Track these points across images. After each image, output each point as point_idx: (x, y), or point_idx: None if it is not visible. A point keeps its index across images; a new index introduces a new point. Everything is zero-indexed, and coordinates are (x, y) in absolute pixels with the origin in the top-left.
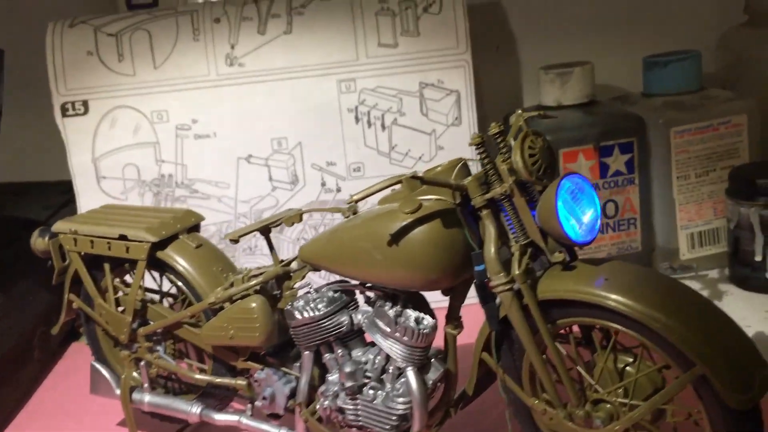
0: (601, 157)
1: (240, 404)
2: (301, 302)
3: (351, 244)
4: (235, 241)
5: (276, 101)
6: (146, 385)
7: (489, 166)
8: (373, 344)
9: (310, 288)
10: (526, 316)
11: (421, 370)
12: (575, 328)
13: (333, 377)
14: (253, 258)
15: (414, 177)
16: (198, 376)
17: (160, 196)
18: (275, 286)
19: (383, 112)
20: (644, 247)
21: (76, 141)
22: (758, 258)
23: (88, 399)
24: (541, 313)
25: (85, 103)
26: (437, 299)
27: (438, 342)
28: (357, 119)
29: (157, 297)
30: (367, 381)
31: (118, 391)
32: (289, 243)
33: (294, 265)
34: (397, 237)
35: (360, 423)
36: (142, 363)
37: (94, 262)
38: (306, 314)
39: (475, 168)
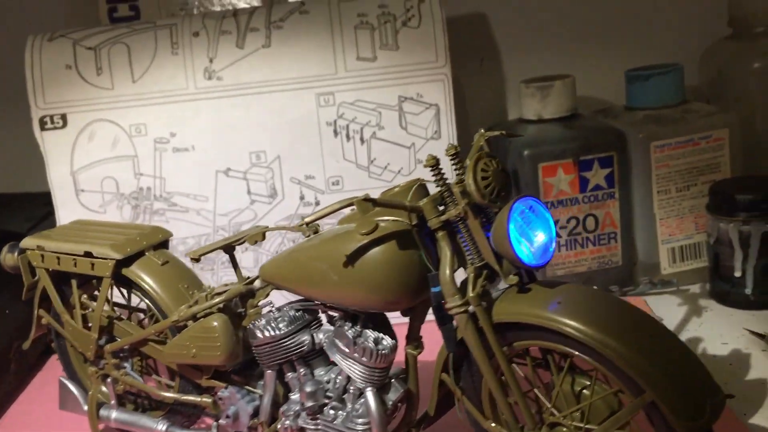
0: (581, 171)
1: (210, 421)
2: (263, 321)
3: (308, 264)
4: (197, 259)
5: (254, 115)
6: (113, 401)
7: (444, 188)
8: (335, 364)
9: (272, 306)
10: (483, 338)
11: (381, 390)
12: (535, 350)
13: (295, 396)
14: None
15: (366, 199)
16: (164, 393)
17: (139, 209)
18: (239, 304)
19: (362, 125)
20: (625, 262)
21: (55, 154)
22: (737, 274)
23: (64, 413)
24: (497, 335)
25: (63, 117)
26: (400, 318)
27: (401, 362)
28: (336, 133)
29: (127, 313)
30: (327, 401)
31: (86, 407)
32: (268, 256)
33: (258, 283)
34: (352, 258)
35: None
36: (109, 379)
37: (64, 278)
38: (267, 333)
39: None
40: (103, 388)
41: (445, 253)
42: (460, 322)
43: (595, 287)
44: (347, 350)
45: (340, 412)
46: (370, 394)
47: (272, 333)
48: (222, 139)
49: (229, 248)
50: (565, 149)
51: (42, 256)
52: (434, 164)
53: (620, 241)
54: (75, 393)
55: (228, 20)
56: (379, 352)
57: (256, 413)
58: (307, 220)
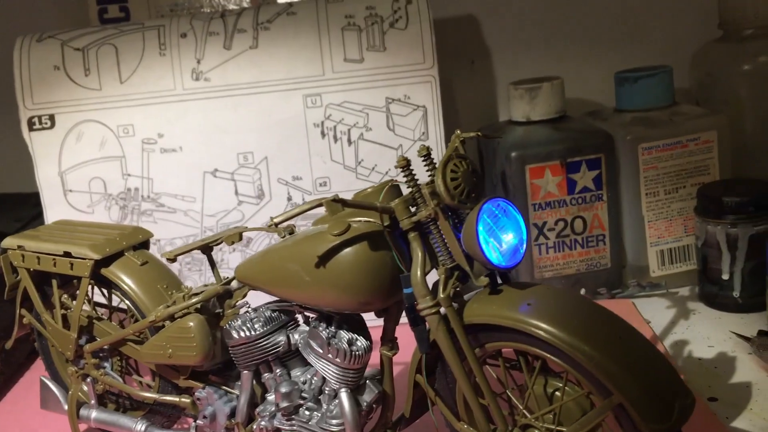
0: (569, 173)
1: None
2: (239, 322)
3: (281, 265)
4: (172, 260)
5: (242, 116)
6: (93, 401)
7: (414, 189)
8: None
9: (248, 307)
10: (455, 340)
11: (356, 391)
12: (510, 352)
13: (271, 397)
14: None
15: (335, 200)
16: (143, 394)
17: (127, 210)
18: (217, 304)
19: (349, 127)
20: (613, 264)
21: (43, 154)
22: (725, 277)
23: (51, 413)
24: (469, 336)
25: (51, 117)
26: (378, 321)
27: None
28: (323, 134)
29: (108, 313)
30: (303, 402)
31: (66, 407)
32: None
33: (235, 284)
34: (324, 258)
35: None
36: (89, 379)
37: (46, 278)
38: (243, 334)
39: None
40: (84, 388)
41: (417, 254)
42: (432, 323)
43: (562, 288)
44: (321, 351)
45: (315, 412)
46: (344, 395)
47: (247, 333)
48: (210, 140)
49: (206, 249)
50: (552, 151)
51: (23, 255)
52: (405, 165)
53: (609, 244)
54: (56, 392)
55: (215, 21)
56: (353, 353)
57: (233, 414)
58: (276, 220)
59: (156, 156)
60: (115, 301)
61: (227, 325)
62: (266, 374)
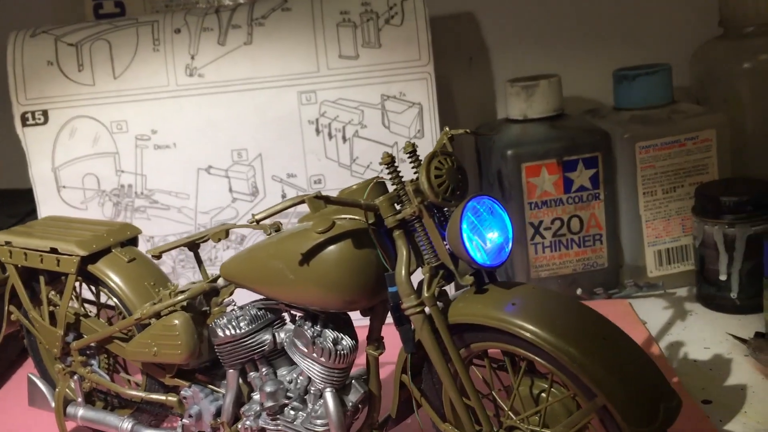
0: (565, 172)
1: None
2: (224, 320)
3: (266, 262)
4: (158, 257)
5: (236, 112)
6: (80, 399)
7: (399, 186)
8: None
9: (234, 305)
10: (440, 339)
11: (342, 391)
12: (497, 352)
13: (256, 396)
14: None
15: (318, 197)
16: (130, 392)
17: (120, 206)
18: (204, 302)
19: (344, 124)
20: (611, 264)
21: (36, 150)
22: (723, 277)
23: (42, 411)
24: (454, 336)
25: (44, 113)
26: (363, 318)
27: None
28: (318, 131)
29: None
30: (288, 401)
31: (53, 404)
32: None
33: (221, 282)
34: (308, 256)
35: None
36: (76, 377)
37: (34, 274)
38: (228, 332)
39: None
40: (72, 385)
41: (402, 252)
42: (416, 322)
43: (548, 288)
44: (306, 350)
45: (300, 412)
46: (328, 395)
47: (233, 332)
48: (203, 137)
49: (193, 246)
50: (549, 149)
51: (10, 252)
52: (389, 162)
53: (605, 243)
54: (43, 390)
55: (210, 17)
56: (338, 352)
57: (219, 413)
58: (257, 217)
59: (149, 152)
60: (105, 298)
61: (213, 324)
62: (252, 373)
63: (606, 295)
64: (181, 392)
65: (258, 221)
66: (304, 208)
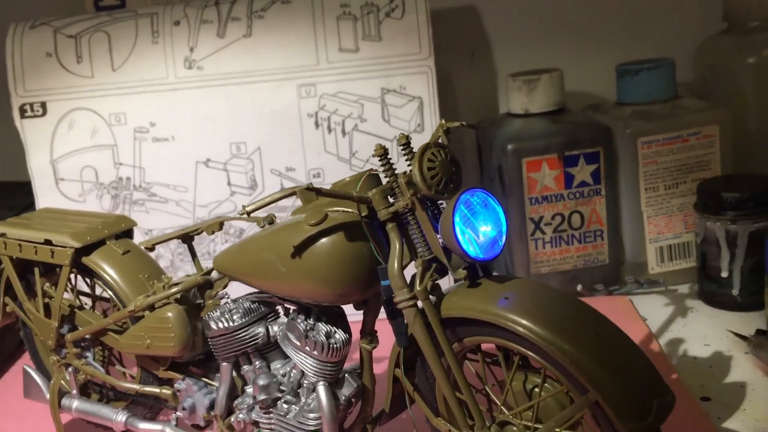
0: (566, 167)
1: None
2: (217, 312)
3: (258, 255)
4: (151, 249)
5: (235, 105)
6: (75, 391)
7: (392, 179)
8: None
9: (227, 298)
10: (432, 333)
11: (335, 385)
12: (491, 347)
13: (249, 390)
14: None
15: (309, 188)
16: (124, 384)
17: (118, 199)
18: (198, 294)
19: (344, 117)
20: (612, 260)
21: (35, 142)
22: (724, 274)
23: (39, 403)
24: (447, 330)
25: (43, 105)
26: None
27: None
28: (317, 124)
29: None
30: (281, 395)
31: (48, 396)
32: None
33: (215, 274)
34: (300, 249)
35: None
36: (70, 369)
37: (30, 266)
38: (221, 325)
39: None
40: (67, 377)
41: (394, 245)
42: (409, 316)
43: (542, 282)
44: (299, 343)
45: (293, 406)
46: (321, 389)
47: (226, 324)
48: (202, 130)
49: (187, 238)
50: (550, 144)
51: (5, 243)
52: (382, 154)
53: (607, 239)
54: (38, 382)
55: (209, 9)
56: (331, 345)
57: (212, 406)
58: (248, 208)
59: (148, 145)
60: (101, 291)
61: (206, 316)
62: (246, 366)
63: (606, 292)
64: (175, 385)
65: (249, 213)
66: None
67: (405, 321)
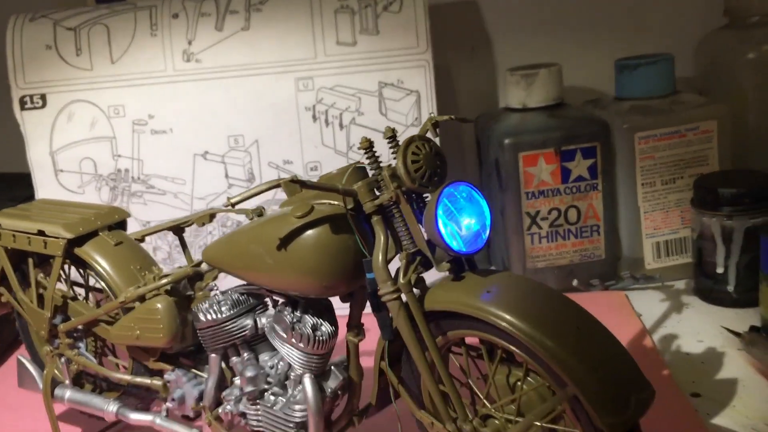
0: (563, 162)
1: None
2: (206, 304)
3: (245, 247)
4: (141, 240)
5: (233, 98)
6: (68, 381)
7: (377, 171)
8: None
9: (216, 290)
10: (416, 327)
11: (321, 377)
12: (476, 341)
13: (237, 381)
14: None
15: (293, 180)
16: (116, 375)
17: (117, 191)
18: (188, 286)
19: (341, 111)
20: (608, 255)
21: (34, 134)
22: (720, 270)
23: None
24: (431, 324)
25: (43, 97)
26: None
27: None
28: (314, 118)
29: (90, 293)
30: (268, 386)
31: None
32: None
33: (205, 266)
34: (286, 241)
35: (261, 429)
36: (63, 359)
37: (25, 257)
38: (209, 316)
39: None
40: (61, 368)
41: (379, 238)
42: (393, 309)
43: (527, 277)
44: (285, 335)
45: (280, 398)
46: (307, 381)
47: (214, 316)
48: (200, 122)
49: (177, 230)
50: (546, 139)
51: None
52: (368, 147)
53: (603, 235)
54: (32, 372)
55: (207, 2)
56: (317, 338)
57: (202, 397)
58: (233, 200)
59: (146, 137)
60: (94, 281)
61: (195, 308)
62: (234, 358)
63: (602, 287)
64: (165, 376)
65: (233, 204)
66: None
67: (390, 314)
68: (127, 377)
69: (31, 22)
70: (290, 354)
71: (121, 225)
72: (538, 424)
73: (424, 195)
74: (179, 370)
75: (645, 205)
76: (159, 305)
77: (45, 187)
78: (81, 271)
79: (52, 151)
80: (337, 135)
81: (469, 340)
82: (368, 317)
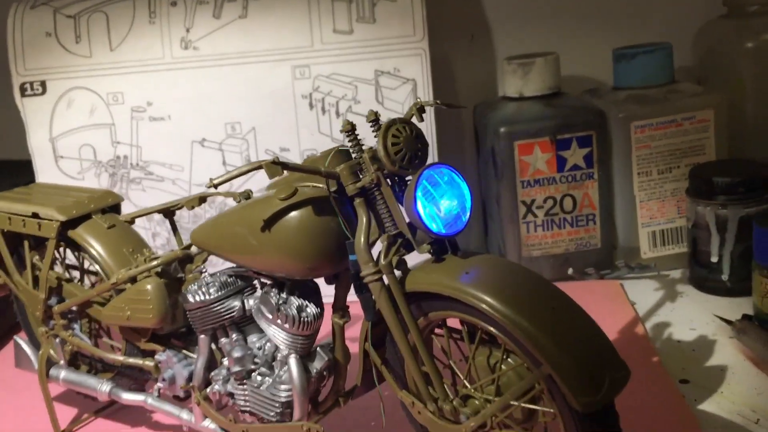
0: (559, 150)
1: None
2: (195, 286)
3: (230, 229)
4: (131, 222)
5: (230, 86)
6: (62, 361)
7: (358, 154)
8: None
9: (205, 272)
10: (397, 308)
11: (306, 358)
12: (458, 322)
13: (226, 362)
14: None
15: (275, 162)
16: (109, 356)
17: (116, 177)
18: (179, 268)
19: (338, 99)
20: (604, 244)
21: (35, 121)
22: (714, 259)
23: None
24: (412, 305)
25: (43, 84)
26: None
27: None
28: (311, 106)
29: (86, 276)
30: (255, 367)
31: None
32: None
33: (195, 249)
34: (270, 223)
35: (248, 408)
36: (58, 340)
37: (22, 239)
38: (198, 298)
39: None
40: (56, 348)
41: (362, 220)
42: (374, 290)
43: (506, 259)
44: (271, 317)
45: (266, 378)
46: (292, 361)
47: (202, 298)
48: (198, 110)
49: (168, 213)
50: (542, 127)
51: None
52: (349, 129)
53: (599, 223)
54: (28, 352)
55: None
56: (302, 319)
57: (192, 377)
58: (215, 181)
59: (145, 124)
60: (89, 264)
61: (185, 289)
62: (223, 339)
63: (598, 276)
64: (156, 356)
65: (216, 185)
66: None
67: (372, 296)
68: (120, 358)
69: (31, 10)
70: (276, 335)
71: (116, 209)
72: (515, 403)
73: (406, 178)
74: (170, 351)
75: (641, 195)
76: (149, 286)
77: (45, 173)
78: (76, 253)
79: (52, 138)
80: (334, 123)
81: (451, 322)
82: (358, 302)
